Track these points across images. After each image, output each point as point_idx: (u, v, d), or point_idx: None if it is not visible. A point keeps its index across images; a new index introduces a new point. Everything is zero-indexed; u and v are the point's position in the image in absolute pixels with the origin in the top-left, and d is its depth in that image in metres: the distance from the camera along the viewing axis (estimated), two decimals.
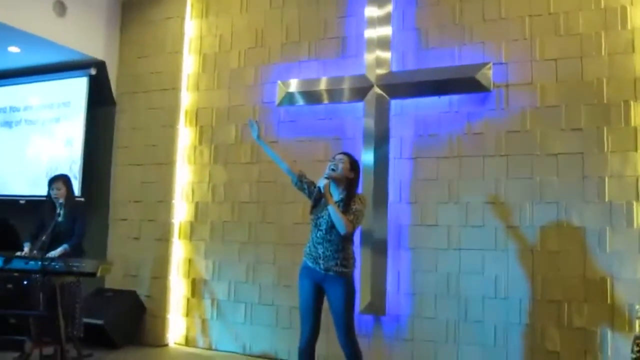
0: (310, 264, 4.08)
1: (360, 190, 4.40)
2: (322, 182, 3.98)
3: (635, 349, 3.97)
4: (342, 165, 4.07)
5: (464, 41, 5.43)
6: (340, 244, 4.01)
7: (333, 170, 4.05)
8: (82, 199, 6.64)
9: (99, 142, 6.98)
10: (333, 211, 3.93)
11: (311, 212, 4.13)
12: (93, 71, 6.95)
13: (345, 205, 4.00)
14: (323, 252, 4.01)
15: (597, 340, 4.71)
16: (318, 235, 4.05)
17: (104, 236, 6.75)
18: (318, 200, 4.08)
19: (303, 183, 4.22)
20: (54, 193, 5.46)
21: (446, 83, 5.33)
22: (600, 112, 4.91)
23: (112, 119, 6.95)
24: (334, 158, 4.15)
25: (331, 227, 3.98)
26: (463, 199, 5.27)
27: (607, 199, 4.81)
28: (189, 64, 6.69)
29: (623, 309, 4.66)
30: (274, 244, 5.98)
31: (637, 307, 4.43)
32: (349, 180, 4.09)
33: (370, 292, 5.33)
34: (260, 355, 5.89)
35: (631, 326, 4.56)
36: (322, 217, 4.04)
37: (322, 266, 4.01)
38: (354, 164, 4.16)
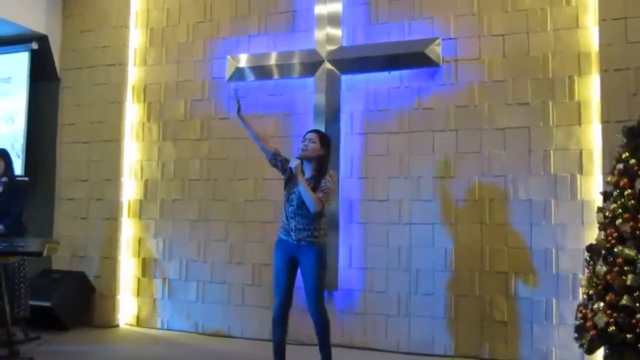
0: (283, 237, 4.26)
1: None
2: (293, 163, 4.10)
3: (579, 315, 4.09)
4: (312, 145, 4.19)
5: (414, 16, 5.45)
6: (312, 217, 4.15)
7: (303, 150, 4.17)
8: (26, 179, 6.43)
9: (43, 120, 6.74)
10: (303, 190, 4.06)
11: (284, 188, 4.28)
12: (35, 45, 6.68)
13: (316, 182, 4.15)
14: (295, 225, 4.16)
15: (542, 309, 4.85)
16: (290, 210, 4.20)
17: (50, 217, 6.57)
18: (290, 177, 4.20)
19: (277, 161, 4.33)
20: None
21: (396, 58, 5.36)
22: (545, 86, 5.01)
23: (56, 96, 6.71)
24: (305, 138, 4.25)
25: (302, 202, 4.12)
26: (413, 174, 5.33)
27: (552, 172, 4.93)
28: (136, 39, 6.52)
29: (567, 278, 4.80)
30: (226, 222, 5.92)
31: (581, 276, 4.57)
32: (319, 157, 4.22)
33: None
34: (212, 333, 5.86)
35: (575, 294, 4.71)
36: (294, 192, 4.17)
37: (294, 237, 4.17)
38: (323, 141, 4.25)
